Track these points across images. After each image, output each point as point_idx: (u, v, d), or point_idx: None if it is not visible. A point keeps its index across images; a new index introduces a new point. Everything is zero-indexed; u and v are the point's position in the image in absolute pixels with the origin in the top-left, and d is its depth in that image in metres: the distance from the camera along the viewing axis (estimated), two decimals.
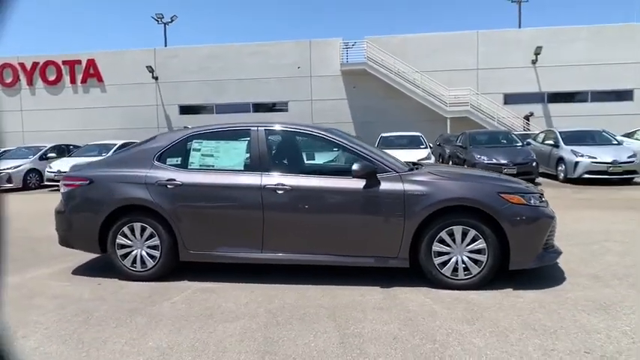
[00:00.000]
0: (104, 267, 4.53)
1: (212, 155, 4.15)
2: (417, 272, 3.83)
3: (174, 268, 4.14)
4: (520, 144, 12.23)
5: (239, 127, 4.34)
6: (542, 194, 3.95)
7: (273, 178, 3.90)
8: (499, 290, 3.66)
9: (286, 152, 4.34)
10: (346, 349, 2.73)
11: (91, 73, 25.56)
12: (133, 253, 4.11)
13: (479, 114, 21.29)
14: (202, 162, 4.14)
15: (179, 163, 4.18)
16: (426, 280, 3.79)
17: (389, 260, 3.79)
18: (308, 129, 4.23)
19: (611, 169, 10.46)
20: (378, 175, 3.78)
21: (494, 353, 2.64)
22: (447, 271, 3.70)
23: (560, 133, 12.32)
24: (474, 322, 3.07)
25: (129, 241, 4.11)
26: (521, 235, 3.61)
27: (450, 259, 3.70)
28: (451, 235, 3.68)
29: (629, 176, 10.56)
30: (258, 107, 24.85)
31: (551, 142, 12.40)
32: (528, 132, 18.22)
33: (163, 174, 4.06)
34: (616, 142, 11.79)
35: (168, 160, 4.19)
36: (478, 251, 3.66)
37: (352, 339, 2.86)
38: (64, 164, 13.42)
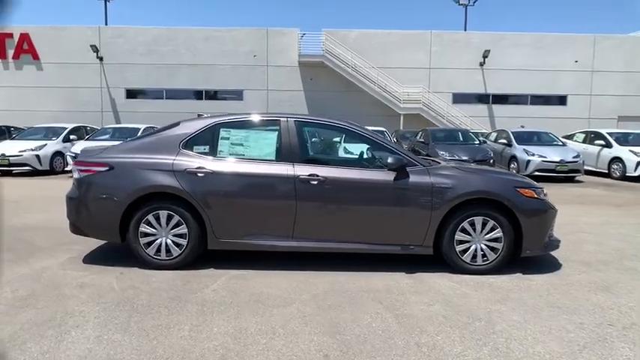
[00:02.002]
0: (113, 255, 4.42)
1: (242, 144, 4.16)
2: (435, 258, 4.13)
3: (198, 256, 4.12)
4: (477, 142, 13.11)
5: (268, 117, 4.38)
6: (543, 189, 4.41)
7: (306, 169, 4.00)
8: (511, 275, 4.05)
9: (316, 143, 4.45)
10: (406, 328, 2.95)
11: (25, 48, 23.50)
12: (158, 241, 4.03)
13: (430, 112, 22.34)
14: (232, 151, 4.14)
15: (207, 151, 4.15)
16: (443, 265, 4.11)
17: (415, 248, 4.06)
18: (338, 122, 4.36)
19: (558, 167, 11.56)
20: (408, 169, 4.02)
21: (535, 327, 2.99)
22: (467, 257, 4.04)
23: (512, 133, 13.36)
24: (506, 302, 3.42)
25: (153, 230, 4.02)
26: (533, 226, 4.03)
27: (469, 247, 4.04)
28: (472, 224, 4.02)
29: (572, 174, 11.73)
30: (211, 94, 24.25)
31: (504, 141, 13.42)
32: (475, 131, 19.43)
33: (192, 161, 4.02)
34: (561, 144, 13.03)
35: (195, 147, 4.14)
36: (495, 240, 4.03)
37: (407, 319, 3.08)
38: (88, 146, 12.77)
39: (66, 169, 12.88)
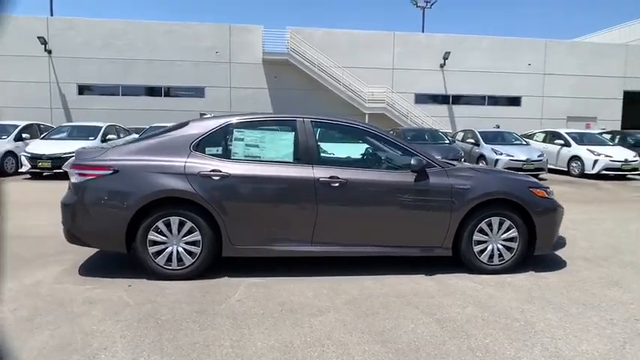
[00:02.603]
0: (110, 266, 4.11)
1: (257, 146, 3.97)
2: (445, 259, 4.14)
3: (211, 264, 3.89)
4: (448, 142, 13.46)
5: (283, 117, 4.21)
6: (550, 188, 4.54)
7: (326, 171, 3.88)
8: (524, 273, 4.14)
9: (333, 145, 4.33)
10: (451, 332, 2.91)
11: None
12: (168, 249, 3.77)
13: (394, 111, 22.72)
14: (247, 152, 3.94)
15: (220, 152, 3.93)
16: (455, 266, 4.13)
17: (434, 249, 4.05)
18: (354, 123, 4.26)
19: (525, 166, 12.08)
20: (427, 170, 4.00)
21: (572, 325, 3.05)
22: (484, 257, 4.08)
23: (479, 132, 13.83)
24: (533, 302, 3.47)
25: (163, 237, 3.75)
26: (545, 225, 4.13)
27: (487, 247, 4.08)
28: (489, 225, 4.06)
29: (537, 172, 12.31)
30: (171, 91, 23.36)
31: (471, 140, 13.86)
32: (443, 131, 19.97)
33: (205, 164, 3.78)
34: (525, 143, 13.65)
35: (207, 149, 3.91)
36: (511, 239, 4.10)
37: (448, 323, 3.05)
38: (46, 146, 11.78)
39: (20, 170, 11.91)
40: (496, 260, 4.10)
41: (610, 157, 12.48)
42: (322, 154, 4.08)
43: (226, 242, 3.80)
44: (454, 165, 4.36)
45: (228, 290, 3.59)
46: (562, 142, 13.74)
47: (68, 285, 3.65)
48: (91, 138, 12.64)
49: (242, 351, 2.63)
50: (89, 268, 4.09)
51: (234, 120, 4.04)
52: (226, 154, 3.91)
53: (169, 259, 3.78)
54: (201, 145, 3.89)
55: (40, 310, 3.13)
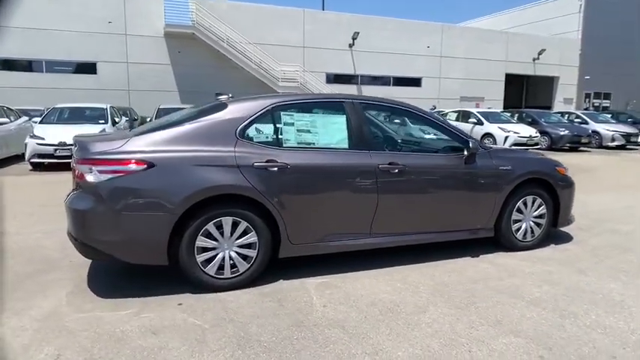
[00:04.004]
0: (121, 280, 3.39)
1: (309, 131, 3.53)
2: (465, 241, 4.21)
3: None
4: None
5: (330, 98, 3.80)
6: None
7: (384, 157, 3.62)
8: (547, 248, 4.40)
9: (385, 128, 4.03)
10: (560, 313, 2.94)
11: None
12: (219, 256, 3.20)
13: (307, 91, 22.58)
14: (300, 139, 3.47)
15: (270, 139, 3.40)
16: (492, 244, 4.24)
17: (479, 231, 4.08)
18: (403, 105, 4.01)
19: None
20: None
21: (628, 292, 3.31)
22: (520, 235, 4.24)
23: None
24: (587, 273, 3.70)
25: (213, 242, 3.17)
26: (566, 200, 4.42)
27: (521, 225, 4.24)
28: (524, 203, 4.21)
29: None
30: (54, 66, 20.14)
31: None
32: None
33: (257, 153, 3.25)
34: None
35: (255, 136, 3.36)
36: (540, 216, 4.31)
37: (546, 304, 3.08)
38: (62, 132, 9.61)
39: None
40: (529, 237, 4.29)
41: (518, 133, 14.07)
42: (377, 139, 3.79)
43: (285, 241, 3.36)
44: (492, 147, 4.41)
45: (299, 295, 3.19)
46: (475, 120, 15.06)
47: (98, 313, 2.89)
48: (101, 121, 10.76)
49: None
50: (100, 288, 3.30)
51: (279, 101, 3.52)
52: (277, 142, 3.41)
53: (221, 267, 3.21)
54: (247, 131, 3.33)
55: (96, 354, 2.42)
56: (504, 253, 4.17)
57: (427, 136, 4.32)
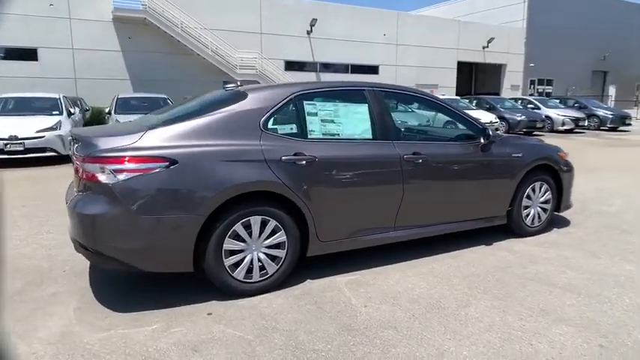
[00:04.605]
0: (128, 292, 3.07)
1: (333, 121, 3.33)
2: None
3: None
4: None
5: (350, 87, 3.59)
6: None
7: (407, 147, 3.50)
8: (551, 232, 4.50)
9: (405, 117, 3.88)
10: (598, 300, 2.98)
11: None
12: (247, 258, 2.95)
13: (267, 78, 22.05)
14: (325, 130, 3.27)
15: (295, 131, 3.17)
16: (497, 231, 4.27)
17: (494, 219, 4.08)
18: (423, 93, 3.90)
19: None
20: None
21: None
22: (528, 221, 4.30)
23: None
24: (599, 256, 3.80)
25: (241, 244, 2.92)
26: (567, 184, 4.53)
27: (530, 212, 4.30)
28: (533, 190, 4.26)
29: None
30: None
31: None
32: None
33: (283, 146, 3.02)
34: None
35: (279, 127, 3.12)
36: (546, 201, 4.38)
37: (580, 291, 3.11)
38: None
39: None
40: (536, 222, 4.36)
41: (479, 119, 14.46)
42: (398, 128, 3.65)
43: (313, 239, 3.17)
44: (502, 135, 4.41)
45: (334, 296, 3.02)
46: None
47: (120, 330, 2.58)
48: (55, 112, 9.71)
49: None
50: (111, 301, 2.96)
51: (301, 90, 3.28)
52: (302, 133, 3.18)
53: (249, 271, 2.97)
54: (271, 122, 3.09)
55: None
56: (515, 240, 4.22)
57: (449, 125, 4.24)
